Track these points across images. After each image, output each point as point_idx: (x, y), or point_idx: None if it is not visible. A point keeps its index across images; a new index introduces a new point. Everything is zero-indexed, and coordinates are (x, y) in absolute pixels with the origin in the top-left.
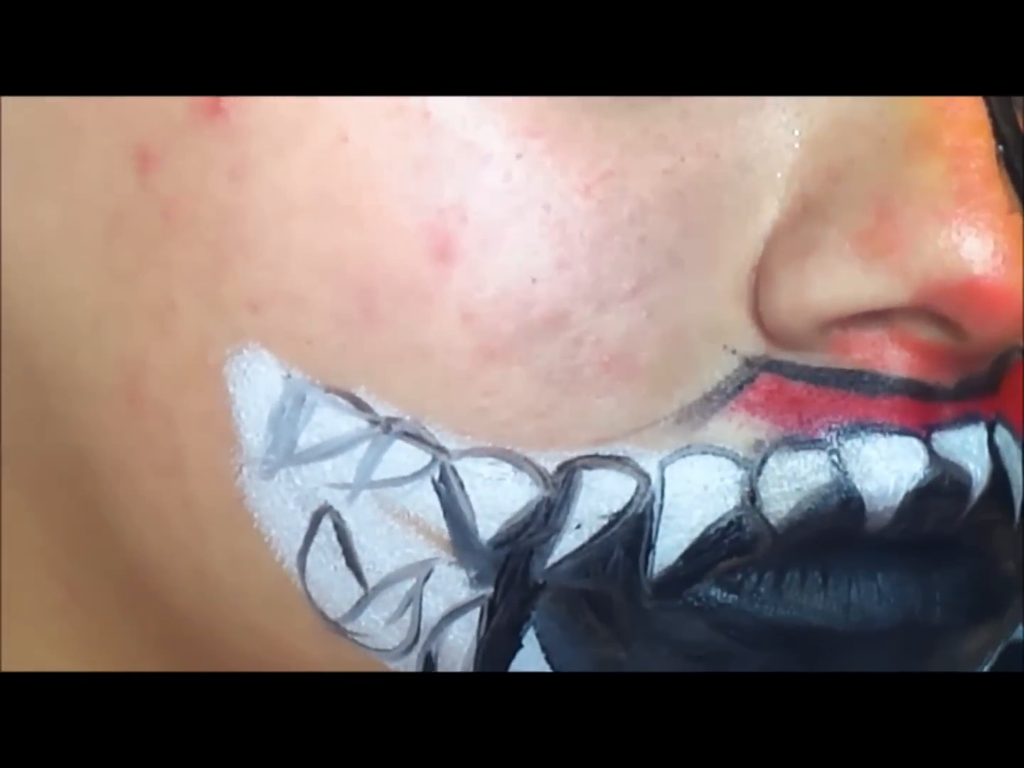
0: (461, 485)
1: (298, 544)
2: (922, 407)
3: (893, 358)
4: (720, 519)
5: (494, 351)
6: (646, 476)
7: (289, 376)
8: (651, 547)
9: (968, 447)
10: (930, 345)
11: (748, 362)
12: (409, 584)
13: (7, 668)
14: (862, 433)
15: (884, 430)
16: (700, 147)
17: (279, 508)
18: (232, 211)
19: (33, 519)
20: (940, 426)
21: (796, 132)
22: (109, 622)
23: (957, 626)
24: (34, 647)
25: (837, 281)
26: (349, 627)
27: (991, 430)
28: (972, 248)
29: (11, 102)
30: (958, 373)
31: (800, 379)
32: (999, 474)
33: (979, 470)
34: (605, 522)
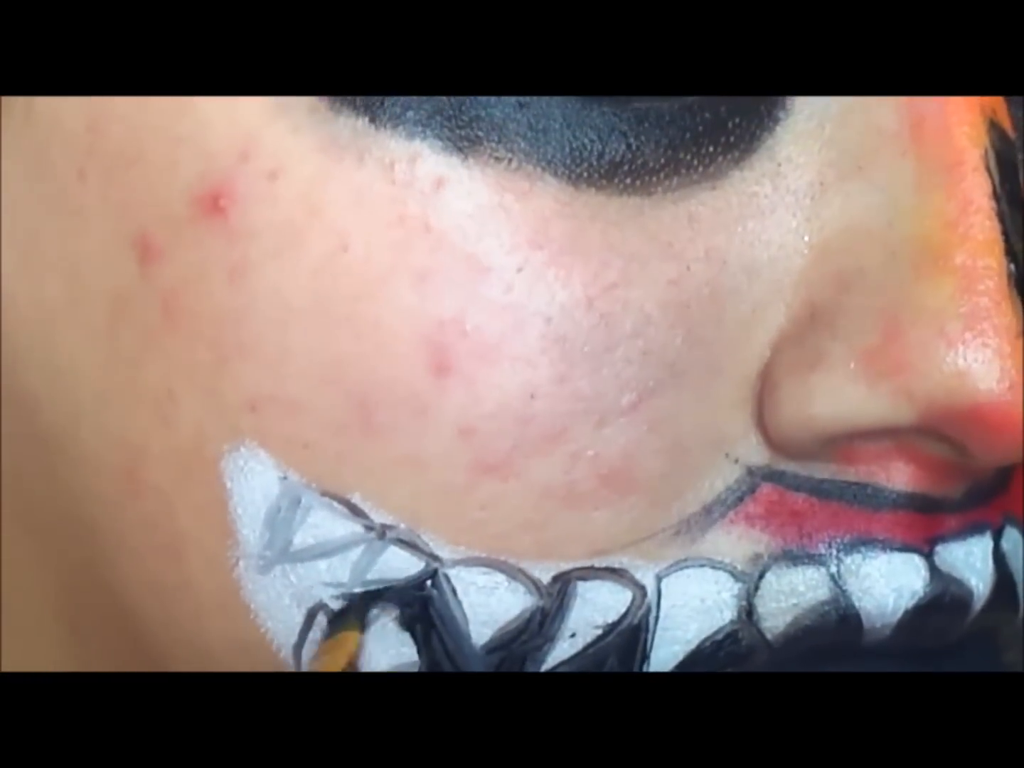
0: (454, 592)
1: (294, 638)
2: (926, 520)
3: (898, 471)
4: (716, 632)
5: (491, 466)
6: (642, 588)
7: (286, 477)
8: (646, 657)
9: (972, 560)
10: (936, 460)
11: (750, 471)
12: None
13: None
14: (863, 549)
15: (885, 546)
16: (708, 253)
17: (275, 602)
18: (231, 311)
19: (39, 562)
20: (944, 538)
21: (806, 238)
22: (111, 662)
23: None
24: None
25: (842, 399)
26: None
27: (998, 537)
28: (978, 375)
29: (11, 171)
30: (965, 483)
31: (802, 490)
32: (1004, 581)
33: (981, 584)
34: (600, 632)
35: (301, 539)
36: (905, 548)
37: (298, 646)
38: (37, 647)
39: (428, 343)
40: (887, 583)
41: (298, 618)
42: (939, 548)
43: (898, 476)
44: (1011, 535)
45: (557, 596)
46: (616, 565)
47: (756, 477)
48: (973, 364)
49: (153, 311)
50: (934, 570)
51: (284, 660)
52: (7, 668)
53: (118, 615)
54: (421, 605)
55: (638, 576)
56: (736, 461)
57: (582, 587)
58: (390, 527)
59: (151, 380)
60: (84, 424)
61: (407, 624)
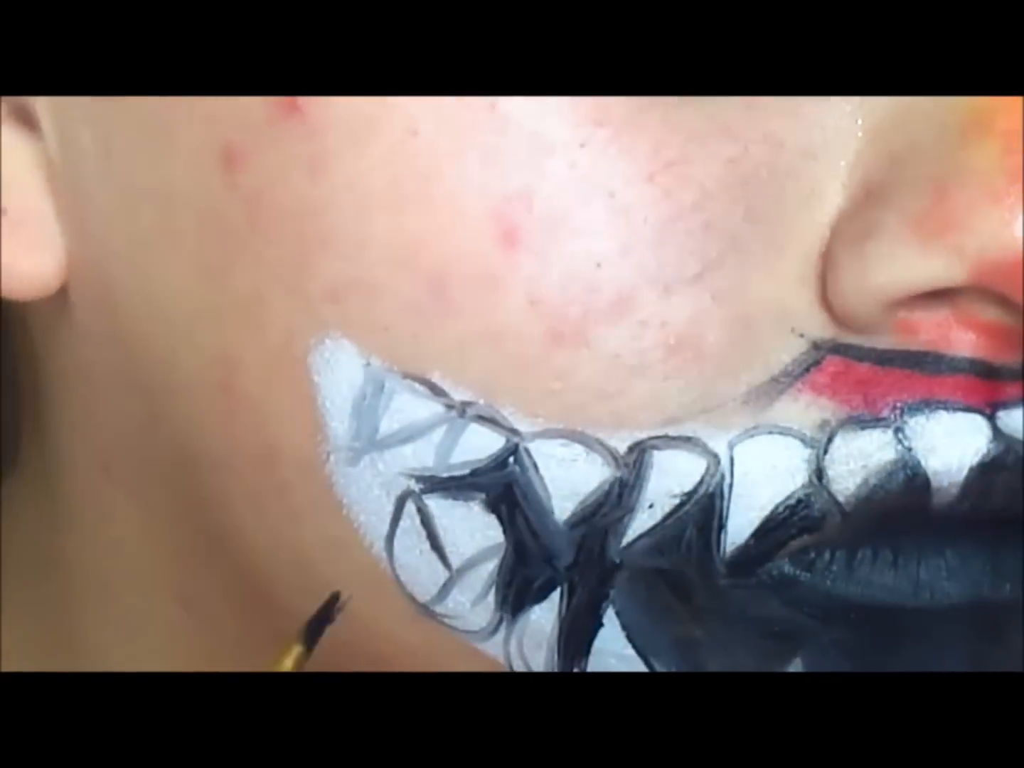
0: (536, 467)
1: (384, 528)
2: (987, 386)
3: (958, 339)
4: (788, 497)
5: (562, 335)
6: (715, 456)
7: (368, 364)
8: (722, 526)
9: None
10: (995, 325)
11: (815, 345)
12: (491, 565)
13: None
14: (926, 411)
15: (948, 407)
16: (765, 136)
17: (365, 494)
18: (312, 205)
19: (139, 527)
20: (1005, 404)
21: (859, 121)
22: (219, 629)
23: None
24: (145, 664)
25: (897, 263)
26: (438, 609)
27: None
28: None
29: (111, 107)
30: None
31: (866, 360)
32: None
33: None
34: (677, 501)
35: (387, 425)
36: (968, 409)
37: (389, 538)
38: (150, 634)
39: (496, 218)
40: (951, 441)
41: (388, 507)
42: (1001, 413)
43: (959, 343)
44: None
45: (634, 466)
46: (689, 434)
47: (821, 350)
48: (1018, 216)
49: (239, 219)
50: (997, 431)
51: (376, 555)
52: (121, 662)
53: (224, 565)
54: (505, 486)
55: (711, 444)
56: (801, 335)
57: (658, 456)
58: (469, 404)
59: (240, 287)
60: (180, 347)
61: (492, 506)
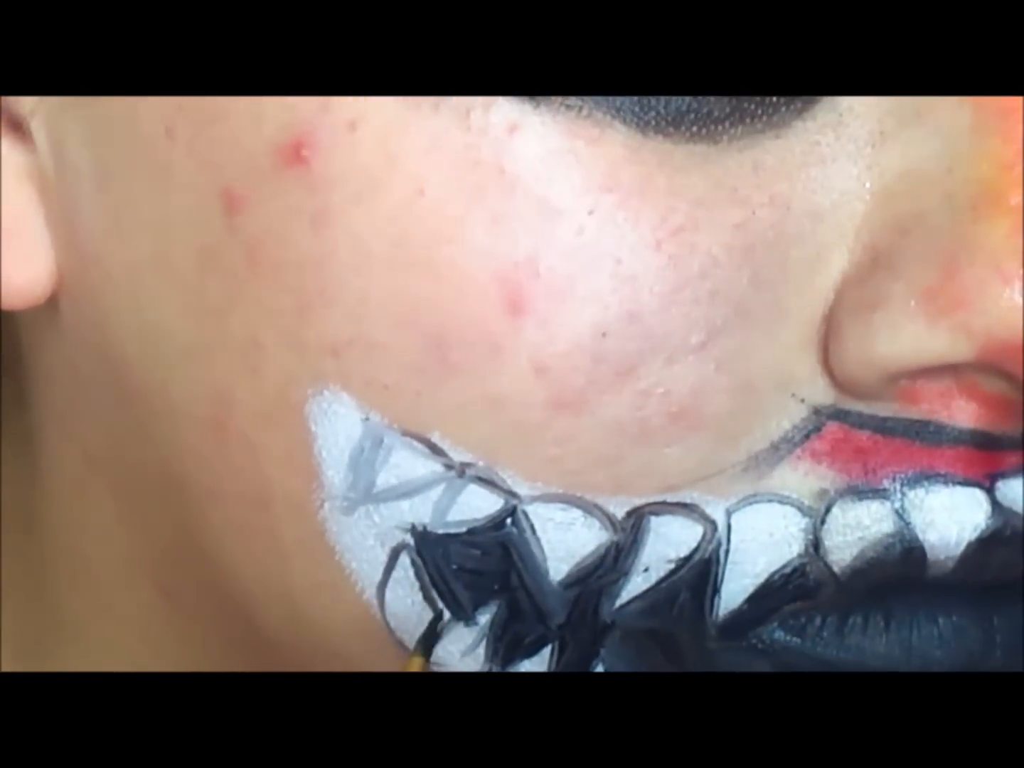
0: (533, 529)
1: (377, 577)
2: (987, 456)
3: (960, 409)
4: (784, 566)
5: (565, 402)
6: (713, 523)
7: (368, 419)
8: (717, 591)
9: None
10: (997, 397)
11: (816, 411)
12: (482, 619)
13: (108, 668)
14: (925, 483)
15: (947, 480)
16: (772, 199)
17: (359, 542)
18: (314, 258)
19: (130, 526)
20: (1004, 474)
21: (867, 184)
22: (203, 624)
23: (1017, 669)
24: (134, 648)
25: (903, 337)
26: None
27: None
28: None
29: (109, 132)
30: None
31: (866, 428)
32: None
33: None
34: (672, 566)
35: (384, 479)
36: (967, 483)
37: (381, 586)
38: (127, 616)
39: (502, 284)
40: (950, 516)
41: (382, 558)
42: (1000, 484)
43: (960, 413)
44: None
45: (631, 531)
46: (687, 500)
47: (822, 416)
48: None
49: (238, 262)
50: (996, 504)
51: (367, 601)
52: (97, 642)
53: (207, 571)
54: (501, 545)
55: (709, 511)
56: (802, 401)
57: (655, 522)
58: (469, 465)
59: (237, 330)
60: (172, 378)
61: (487, 564)
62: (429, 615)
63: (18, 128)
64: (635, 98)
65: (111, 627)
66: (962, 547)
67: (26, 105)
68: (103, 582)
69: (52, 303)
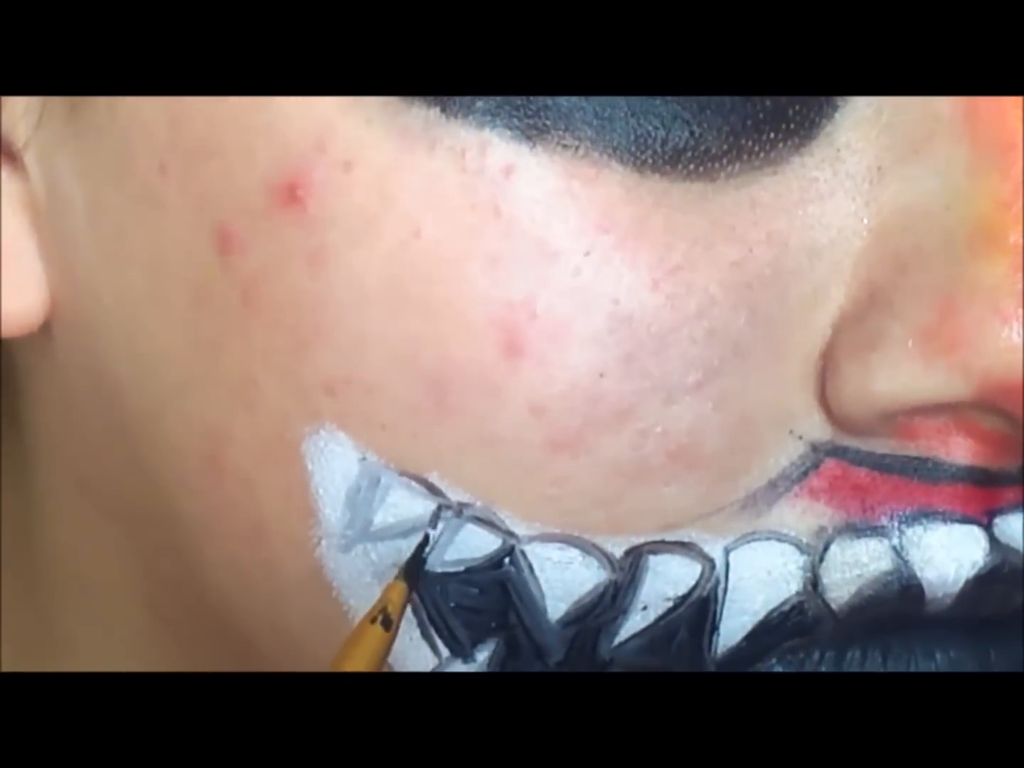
0: (531, 568)
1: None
2: (985, 493)
3: (957, 445)
4: (783, 603)
5: (562, 443)
6: (711, 561)
7: (365, 458)
8: (715, 628)
9: None
10: (994, 433)
11: (814, 447)
12: (481, 657)
13: None
14: (924, 521)
15: (945, 518)
16: (769, 236)
17: (356, 579)
18: (309, 297)
19: (123, 551)
20: (1002, 511)
21: (864, 221)
22: (198, 649)
23: None
24: (125, 665)
25: (900, 376)
26: None
27: None
28: None
29: (102, 165)
30: (1022, 456)
31: (864, 465)
32: None
33: None
34: (670, 604)
35: (381, 518)
36: (965, 520)
37: None
38: (119, 635)
39: (499, 325)
40: (948, 553)
41: (379, 595)
42: (998, 520)
43: (957, 450)
44: None
45: (629, 570)
46: (685, 539)
47: (820, 453)
48: None
49: (233, 299)
50: (993, 541)
51: None
52: (89, 656)
53: (200, 598)
54: (499, 584)
55: (707, 549)
56: (800, 438)
57: (653, 561)
58: (467, 505)
59: (232, 366)
60: (167, 412)
61: (485, 602)
62: (428, 651)
63: (13, 159)
64: (632, 136)
65: (105, 646)
66: (960, 584)
67: (20, 137)
68: (98, 602)
69: (46, 330)
